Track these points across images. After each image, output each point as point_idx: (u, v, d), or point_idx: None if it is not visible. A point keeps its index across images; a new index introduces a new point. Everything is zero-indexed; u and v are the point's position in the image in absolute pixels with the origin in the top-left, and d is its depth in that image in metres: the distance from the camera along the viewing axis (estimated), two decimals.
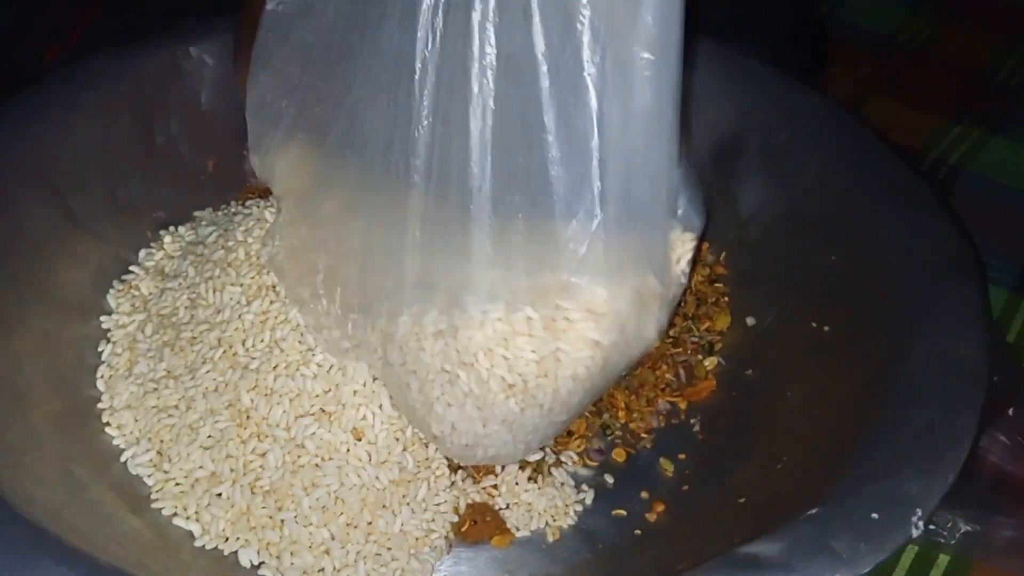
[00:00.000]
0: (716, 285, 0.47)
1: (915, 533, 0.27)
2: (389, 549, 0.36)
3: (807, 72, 0.60)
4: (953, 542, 0.39)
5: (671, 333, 0.45)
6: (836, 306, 0.40)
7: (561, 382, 0.34)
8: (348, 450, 0.37)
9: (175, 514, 0.36)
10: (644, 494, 0.39)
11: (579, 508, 0.39)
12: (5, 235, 0.38)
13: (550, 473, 0.39)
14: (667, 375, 0.44)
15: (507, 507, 0.38)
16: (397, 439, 0.37)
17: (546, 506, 0.38)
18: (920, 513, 0.27)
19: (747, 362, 0.44)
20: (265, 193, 0.44)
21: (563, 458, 0.40)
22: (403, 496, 0.37)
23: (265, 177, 0.38)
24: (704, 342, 0.46)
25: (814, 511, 0.27)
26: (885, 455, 0.30)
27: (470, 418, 0.35)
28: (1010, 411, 0.41)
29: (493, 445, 0.36)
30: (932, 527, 0.38)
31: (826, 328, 0.40)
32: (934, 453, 0.29)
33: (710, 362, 0.45)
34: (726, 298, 0.47)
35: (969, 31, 0.75)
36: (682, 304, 0.46)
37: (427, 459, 0.38)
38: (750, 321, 0.45)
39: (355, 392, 0.37)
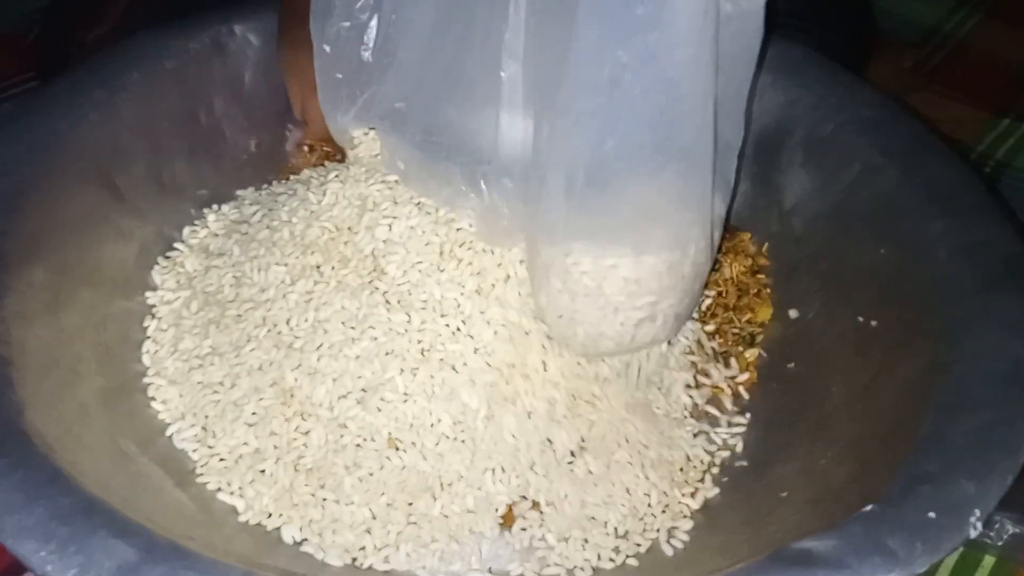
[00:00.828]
0: (758, 276, 0.47)
1: (973, 534, 0.27)
2: (430, 531, 0.36)
3: (851, 62, 0.59)
4: (1000, 544, 0.38)
5: (712, 324, 0.45)
6: (883, 301, 0.40)
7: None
8: (390, 432, 0.37)
9: (219, 489, 0.36)
10: None
11: None
12: (52, 212, 0.38)
13: None
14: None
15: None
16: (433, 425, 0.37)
17: None
18: (978, 514, 0.27)
19: (789, 355, 0.43)
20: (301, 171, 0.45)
21: None
22: (444, 480, 0.37)
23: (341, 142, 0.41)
24: (745, 333, 0.45)
25: (868, 509, 0.27)
26: (940, 455, 0.29)
27: (556, 290, 0.36)
28: None
29: (587, 321, 0.36)
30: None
31: (873, 323, 0.40)
32: (991, 454, 0.29)
33: (751, 354, 0.44)
34: (768, 290, 0.46)
35: (1014, 24, 0.74)
36: (723, 294, 0.46)
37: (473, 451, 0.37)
38: (793, 314, 0.45)
39: (401, 371, 0.37)
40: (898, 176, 0.42)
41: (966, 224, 0.39)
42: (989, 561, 0.39)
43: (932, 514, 0.27)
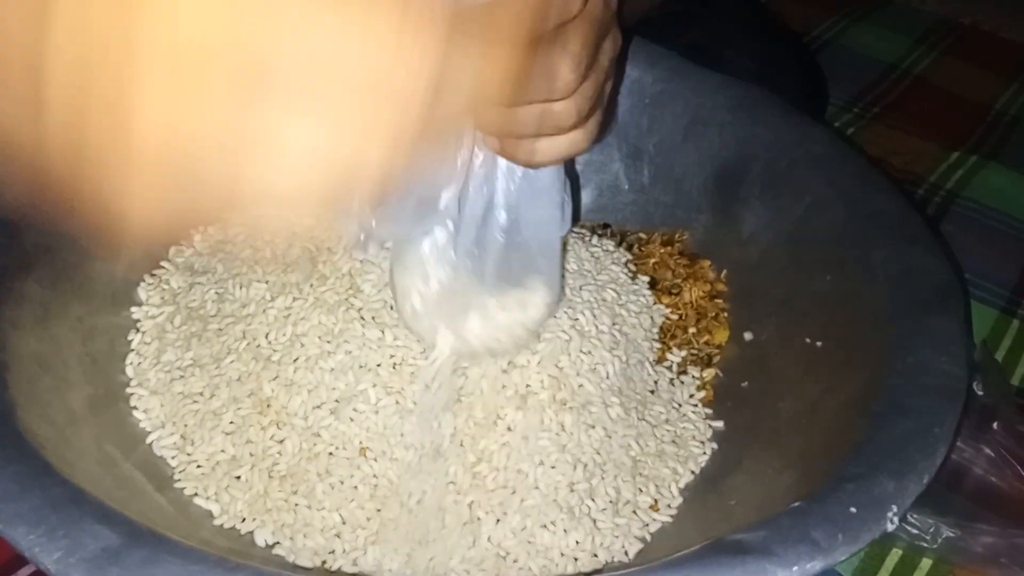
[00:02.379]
0: (716, 301, 0.50)
1: (890, 528, 0.29)
2: (396, 536, 0.38)
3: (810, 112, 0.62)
4: (936, 547, 0.40)
5: (672, 345, 0.48)
6: (829, 324, 0.42)
7: None
8: (360, 442, 0.39)
9: (196, 494, 0.38)
10: None
11: None
12: (46, 229, 0.40)
13: None
14: None
15: None
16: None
17: None
18: (895, 510, 0.29)
19: (743, 374, 0.46)
20: None
21: None
22: (412, 488, 0.39)
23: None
24: (703, 355, 0.48)
25: (796, 505, 0.29)
26: (867, 459, 0.31)
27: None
28: (995, 425, 0.43)
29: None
30: (916, 531, 0.41)
31: (819, 344, 0.42)
32: (912, 457, 0.31)
33: (708, 374, 0.47)
34: (725, 313, 0.49)
35: (968, 63, 0.78)
36: (683, 318, 0.49)
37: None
38: (747, 336, 0.47)
39: (374, 384, 0.39)
40: (844, 208, 0.45)
41: (904, 253, 0.42)
42: (926, 564, 0.41)
43: (853, 509, 0.29)
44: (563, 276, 0.41)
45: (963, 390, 0.34)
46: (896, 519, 0.29)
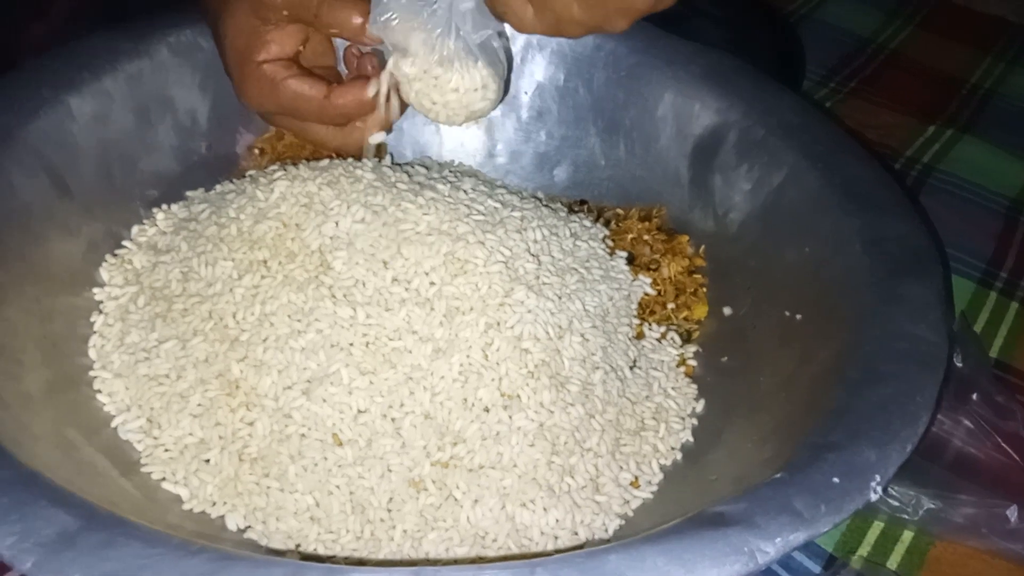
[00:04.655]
0: (695, 276, 0.49)
1: (873, 498, 0.28)
2: (371, 518, 0.37)
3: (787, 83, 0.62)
4: (916, 518, 0.40)
5: (651, 321, 0.47)
6: (807, 295, 0.42)
7: None
8: (333, 423, 0.38)
9: (164, 479, 0.36)
10: None
11: None
12: None
13: None
14: None
15: None
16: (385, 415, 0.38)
17: None
18: (878, 479, 0.29)
19: (723, 350, 0.45)
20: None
21: None
22: (383, 469, 0.38)
23: None
24: (682, 331, 0.47)
25: (778, 476, 0.29)
26: (847, 426, 0.31)
27: None
28: (974, 396, 0.43)
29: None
30: (897, 503, 0.40)
31: (797, 316, 0.42)
32: (894, 425, 0.31)
33: (688, 350, 0.46)
34: (704, 289, 0.48)
35: (943, 36, 0.78)
36: (662, 293, 0.48)
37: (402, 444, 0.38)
38: (727, 311, 0.47)
39: (346, 365, 0.38)
40: (819, 177, 0.44)
41: (880, 220, 0.41)
42: (907, 535, 0.41)
43: (836, 479, 0.28)
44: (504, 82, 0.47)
45: (943, 357, 0.34)
46: (879, 488, 0.28)
